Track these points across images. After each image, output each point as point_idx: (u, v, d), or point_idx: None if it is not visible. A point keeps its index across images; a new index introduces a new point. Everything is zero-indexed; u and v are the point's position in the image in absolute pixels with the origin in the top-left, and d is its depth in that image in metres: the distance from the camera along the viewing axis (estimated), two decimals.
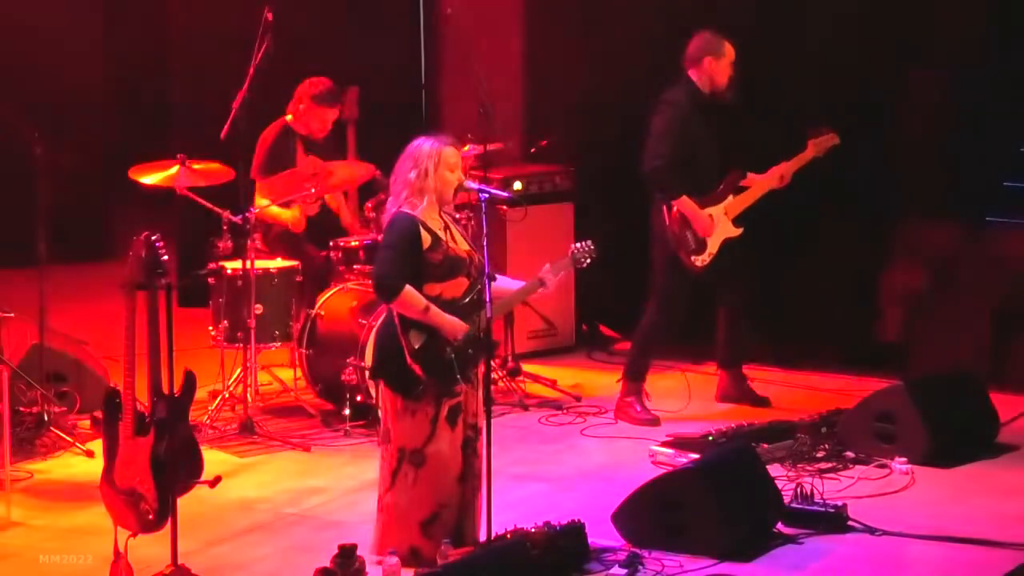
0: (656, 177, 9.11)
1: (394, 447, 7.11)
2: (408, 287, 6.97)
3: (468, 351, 7.10)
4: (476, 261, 7.18)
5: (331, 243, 9.58)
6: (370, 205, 9.68)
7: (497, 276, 7.22)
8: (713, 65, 9.18)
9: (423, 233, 7.03)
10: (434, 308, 7.01)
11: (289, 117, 9.80)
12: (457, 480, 7.14)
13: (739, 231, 9.33)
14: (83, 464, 8.55)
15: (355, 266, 9.46)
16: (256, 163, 9.63)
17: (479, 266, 7.16)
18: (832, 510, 7.57)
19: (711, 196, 9.27)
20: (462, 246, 7.16)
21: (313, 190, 9.45)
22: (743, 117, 9.45)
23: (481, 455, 7.12)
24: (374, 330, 7.89)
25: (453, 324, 7.04)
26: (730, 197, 9.34)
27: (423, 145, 7.12)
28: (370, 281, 9.17)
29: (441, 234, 7.09)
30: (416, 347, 7.00)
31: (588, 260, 7.51)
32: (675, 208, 9.16)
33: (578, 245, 7.49)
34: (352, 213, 10.00)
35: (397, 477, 7.11)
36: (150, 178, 9.13)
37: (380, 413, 7.26)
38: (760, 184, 9.38)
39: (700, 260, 9.24)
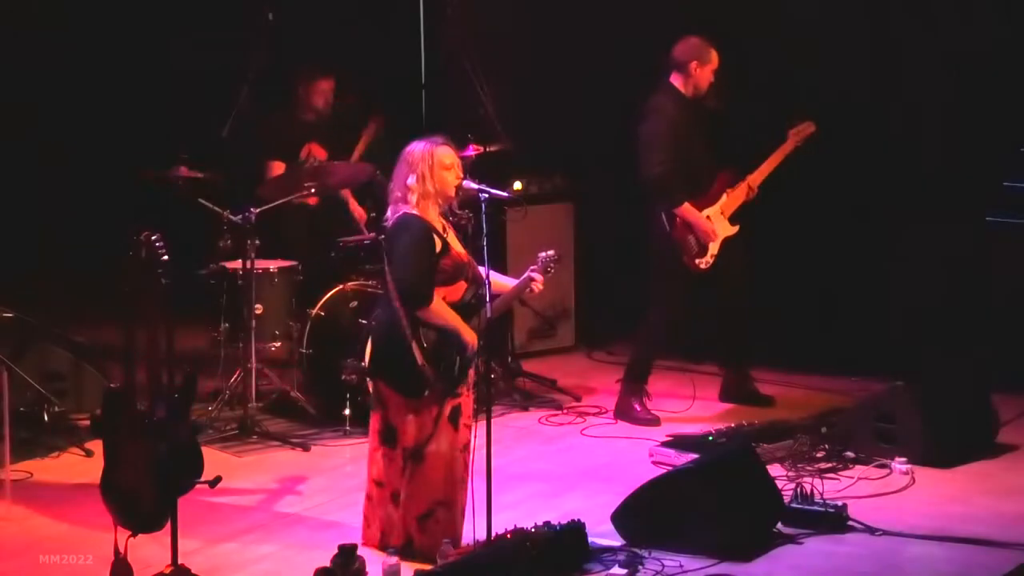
0: (657, 184, 9.14)
1: (400, 446, 7.13)
2: (435, 294, 6.99)
3: (468, 354, 7.13)
4: (473, 264, 7.20)
5: (331, 243, 9.58)
6: (370, 205, 9.69)
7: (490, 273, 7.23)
8: (699, 70, 9.21)
9: (435, 237, 7.05)
10: (455, 314, 7.05)
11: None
12: (458, 482, 7.17)
13: (736, 229, 9.37)
14: (83, 464, 8.55)
15: (355, 266, 9.47)
16: (261, 148, 9.66)
17: (475, 269, 7.18)
18: (832, 510, 7.57)
19: (706, 197, 9.30)
20: (460, 249, 7.20)
21: (313, 190, 9.46)
22: (727, 116, 9.47)
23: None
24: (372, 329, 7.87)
25: (471, 331, 7.09)
26: (724, 196, 9.37)
27: (416, 148, 7.14)
28: (371, 281, 9.26)
29: (445, 238, 7.11)
30: (427, 347, 7.01)
31: (552, 269, 7.47)
32: (677, 215, 9.19)
33: (544, 254, 7.44)
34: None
35: (404, 474, 7.13)
36: (151, 174, 9.18)
37: (373, 412, 7.26)
38: (751, 181, 9.40)
39: (703, 262, 9.26)
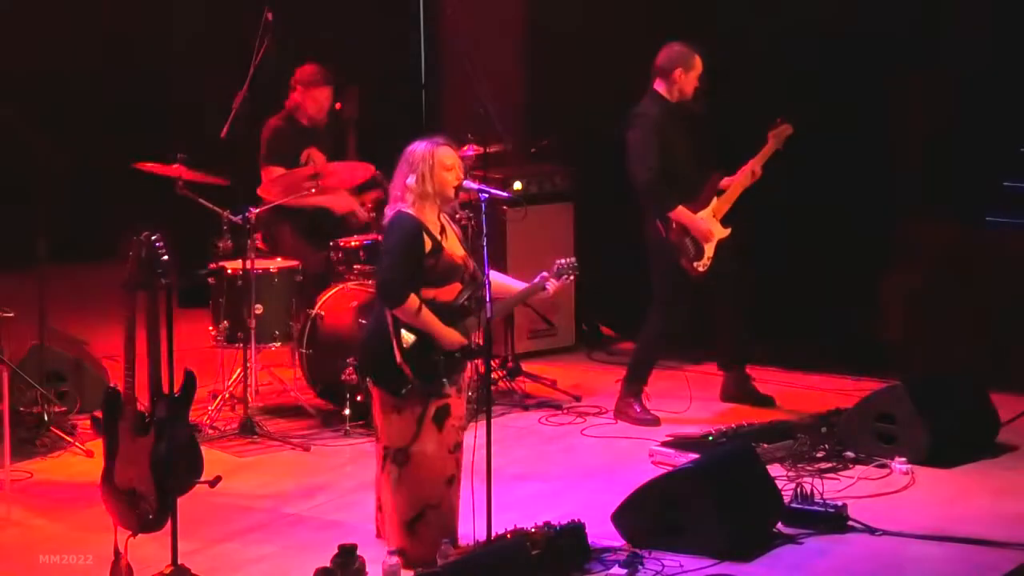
0: (649, 189, 9.15)
1: (380, 445, 7.13)
2: (412, 295, 6.97)
3: (455, 356, 7.11)
4: (470, 266, 7.19)
5: (331, 243, 9.58)
6: (370, 205, 9.69)
7: (494, 273, 7.21)
8: (683, 77, 9.22)
9: (425, 237, 7.04)
10: (434, 319, 7.02)
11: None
12: (446, 483, 7.14)
13: (728, 231, 9.38)
14: (83, 464, 8.55)
15: (355, 266, 9.47)
16: (261, 151, 9.65)
17: (472, 271, 7.18)
18: (832, 510, 7.57)
19: (697, 201, 9.31)
20: (458, 251, 7.17)
21: (313, 190, 9.45)
22: (712, 120, 9.47)
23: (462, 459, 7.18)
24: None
25: (452, 336, 7.05)
26: (714, 200, 9.37)
27: (417, 148, 7.13)
28: (370, 281, 9.26)
29: (439, 238, 7.09)
30: (406, 347, 7.00)
31: (571, 276, 7.49)
32: (672, 219, 9.19)
33: (563, 261, 7.46)
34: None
35: (384, 476, 7.12)
36: (151, 167, 9.16)
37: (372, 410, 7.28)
38: (737, 184, 9.40)
39: (701, 265, 9.27)
